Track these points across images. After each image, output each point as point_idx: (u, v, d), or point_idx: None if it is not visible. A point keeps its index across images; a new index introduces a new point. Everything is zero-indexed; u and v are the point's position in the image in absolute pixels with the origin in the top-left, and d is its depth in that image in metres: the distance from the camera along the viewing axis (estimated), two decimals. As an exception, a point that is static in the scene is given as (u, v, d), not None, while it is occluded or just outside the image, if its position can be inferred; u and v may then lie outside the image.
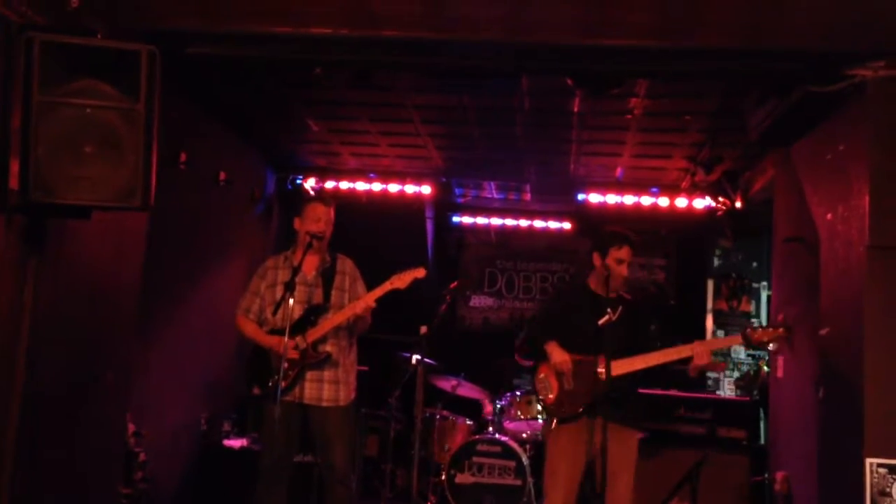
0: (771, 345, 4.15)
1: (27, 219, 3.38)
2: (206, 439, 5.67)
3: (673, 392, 5.47)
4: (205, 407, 5.79)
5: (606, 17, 3.55)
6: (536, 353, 4.16)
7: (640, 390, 4.20)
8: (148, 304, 4.51)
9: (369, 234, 6.26)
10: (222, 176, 5.76)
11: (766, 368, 6.47)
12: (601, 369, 3.82)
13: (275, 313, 4.17)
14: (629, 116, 5.31)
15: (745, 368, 7.33)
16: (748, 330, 4.00)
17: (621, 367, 3.87)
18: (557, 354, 4.01)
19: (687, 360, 3.94)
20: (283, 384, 3.96)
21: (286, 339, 3.91)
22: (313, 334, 4.14)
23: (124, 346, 4.27)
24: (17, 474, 3.38)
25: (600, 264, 4.13)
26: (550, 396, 4.06)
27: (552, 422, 4.05)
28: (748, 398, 6.41)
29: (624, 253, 4.08)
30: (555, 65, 3.95)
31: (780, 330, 3.98)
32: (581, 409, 3.94)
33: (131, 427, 4.55)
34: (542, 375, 4.12)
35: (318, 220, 4.23)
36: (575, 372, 3.98)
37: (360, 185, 7.19)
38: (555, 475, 4.04)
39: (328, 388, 4.19)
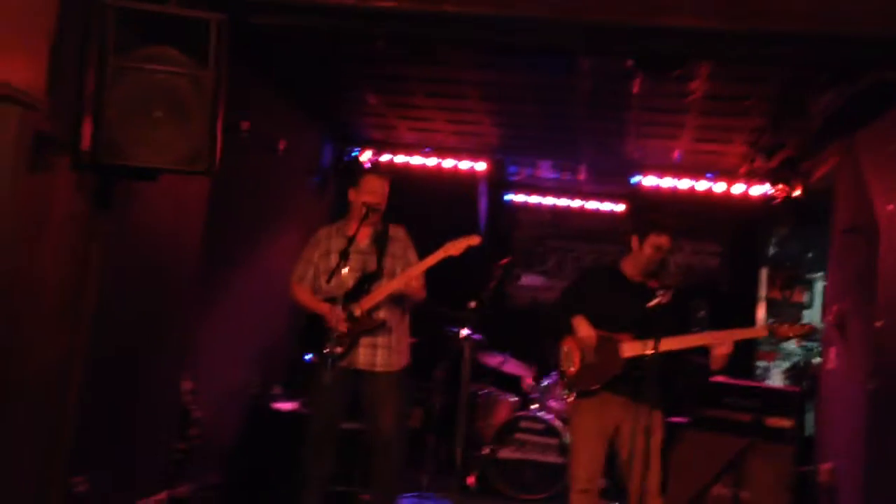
0: (794, 340, 4.13)
1: (97, 179, 3.50)
2: (257, 401, 5.81)
3: (720, 378, 5.42)
4: (257, 370, 5.93)
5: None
6: (560, 327, 4.16)
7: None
8: (206, 268, 4.63)
9: (423, 209, 6.29)
10: (281, 145, 5.84)
11: (816, 360, 6.38)
12: (639, 348, 3.85)
13: (329, 281, 4.23)
14: (689, 99, 5.23)
15: (795, 359, 7.22)
16: (774, 324, 3.97)
17: (634, 348, 3.91)
18: (584, 329, 4.04)
19: (708, 351, 3.87)
20: (337, 350, 4.06)
21: (340, 306, 4.00)
22: (367, 302, 4.21)
23: (184, 306, 4.41)
24: (80, 427, 3.53)
25: (637, 247, 4.14)
26: (572, 369, 4.11)
27: (570, 395, 4.10)
28: (798, 388, 6.32)
29: (663, 240, 4.07)
30: (615, 44, 3.93)
31: (807, 326, 3.93)
32: (597, 386, 3.99)
33: (189, 384, 4.69)
34: (566, 349, 4.16)
35: (373, 192, 4.29)
36: (597, 348, 4.01)
37: (416, 160, 7.25)
38: (577, 455, 4.10)
39: (382, 354, 4.27)
